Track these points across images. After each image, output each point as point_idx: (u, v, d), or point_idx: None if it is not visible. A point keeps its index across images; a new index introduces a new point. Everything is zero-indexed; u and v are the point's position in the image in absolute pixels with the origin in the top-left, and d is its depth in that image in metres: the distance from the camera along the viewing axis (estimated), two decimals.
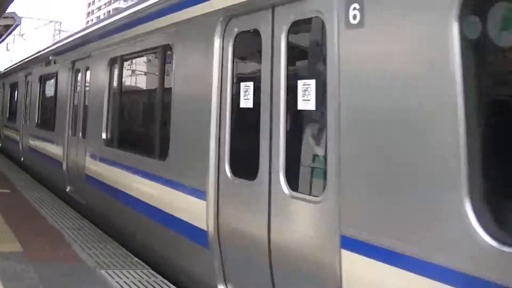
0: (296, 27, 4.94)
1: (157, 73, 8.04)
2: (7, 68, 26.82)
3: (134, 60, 9.35)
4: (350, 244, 3.92)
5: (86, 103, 11.17)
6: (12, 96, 22.71)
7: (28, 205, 11.20)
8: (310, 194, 4.62)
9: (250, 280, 5.31)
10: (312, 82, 4.65)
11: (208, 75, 6.00)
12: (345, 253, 3.97)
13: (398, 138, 3.67)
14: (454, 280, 3.16)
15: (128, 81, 9.61)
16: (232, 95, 5.73)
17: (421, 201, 3.43)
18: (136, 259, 7.61)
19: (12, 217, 9.76)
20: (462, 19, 3.27)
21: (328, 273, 4.17)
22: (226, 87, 5.79)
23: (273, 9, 5.15)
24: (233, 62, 5.79)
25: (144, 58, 9.05)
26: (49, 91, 15.28)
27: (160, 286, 6.52)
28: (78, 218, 10.21)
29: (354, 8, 4.05)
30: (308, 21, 4.78)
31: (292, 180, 4.81)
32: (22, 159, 17.89)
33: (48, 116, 14.84)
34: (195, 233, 6.07)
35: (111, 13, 17.39)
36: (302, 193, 4.69)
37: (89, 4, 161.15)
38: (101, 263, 7.30)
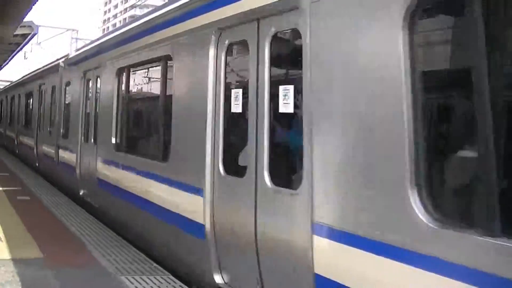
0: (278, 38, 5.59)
1: (158, 82, 8.69)
2: (21, 78, 27.53)
3: (139, 70, 9.96)
4: (320, 229, 4.60)
5: (97, 111, 11.76)
6: (27, 104, 23.43)
7: (48, 212, 11.27)
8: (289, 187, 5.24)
9: (240, 267, 5.92)
10: (291, 88, 5.21)
11: (204, 83, 6.54)
12: (316, 238, 4.64)
13: (357, 138, 4.33)
14: (403, 257, 3.78)
15: (134, 89, 10.34)
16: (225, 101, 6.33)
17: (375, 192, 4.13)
18: (155, 264, 7.62)
19: (32, 223, 9.83)
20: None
21: (301, 255, 4.84)
22: (220, 94, 6.36)
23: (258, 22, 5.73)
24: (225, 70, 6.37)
25: (147, 68, 9.66)
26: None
27: None
28: (97, 223, 10.25)
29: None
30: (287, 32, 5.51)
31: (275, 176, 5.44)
32: (36, 164, 18.81)
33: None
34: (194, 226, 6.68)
35: (127, 20, 17.49)
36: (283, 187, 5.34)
37: (105, 12, 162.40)
38: (121, 269, 7.31)
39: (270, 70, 5.53)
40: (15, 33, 20.21)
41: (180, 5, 7.56)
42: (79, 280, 6.80)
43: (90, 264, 7.54)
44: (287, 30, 5.44)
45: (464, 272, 3.34)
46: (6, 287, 6.36)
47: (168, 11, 8.06)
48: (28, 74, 24.16)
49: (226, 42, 6.29)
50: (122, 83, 10.27)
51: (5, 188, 14.03)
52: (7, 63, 34.95)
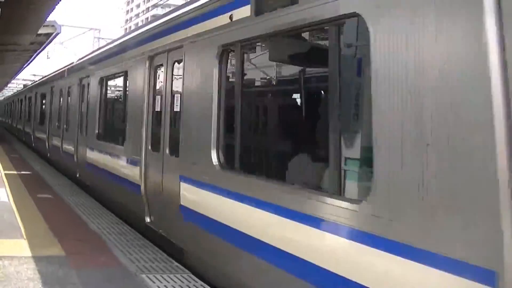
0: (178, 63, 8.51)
1: (121, 90, 12.52)
2: (53, 73, 24.24)
3: (111, 80, 13.27)
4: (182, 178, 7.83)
5: (87, 109, 11.78)
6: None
7: (69, 210, 11.34)
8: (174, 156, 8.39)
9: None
10: (178, 95, 8.47)
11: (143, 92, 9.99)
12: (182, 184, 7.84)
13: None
14: (208, 186, 7.15)
15: (107, 94, 13.56)
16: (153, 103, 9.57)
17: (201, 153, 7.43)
18: (176, 263, 7.61)
19: (54, 222, 9.90)
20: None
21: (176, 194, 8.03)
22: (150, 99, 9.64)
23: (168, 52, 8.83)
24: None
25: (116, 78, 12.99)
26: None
27: None
28: (119, 223, 10.28)
29: None
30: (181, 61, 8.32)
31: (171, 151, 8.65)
32: (77, 175, 15.34)
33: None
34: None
35: (149, 19, 17.41)
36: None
37: (127, 11, 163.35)
38: (141, 267, 7.32)
39: (171, 83, 8.73)
40: (38, 32, 20.36)
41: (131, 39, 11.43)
42: (100, 278, 6.82)
43: (111, 262, 7.56)
44: (180, 59, 8.28)
45: (231, 194, 6.34)
46: (28, 284, 6.40)
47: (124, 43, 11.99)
48: (65, 66, 21.15)
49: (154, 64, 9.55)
50: (102, 89, 13.40)
51: (28, 188, 14.15)
52: (30, 62, 35.26)
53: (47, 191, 13.82)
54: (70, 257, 7.60)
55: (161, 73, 9.21)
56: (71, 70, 18.29)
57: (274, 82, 7.31)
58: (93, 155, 13.43)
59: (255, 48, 7.00)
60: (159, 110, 9.13)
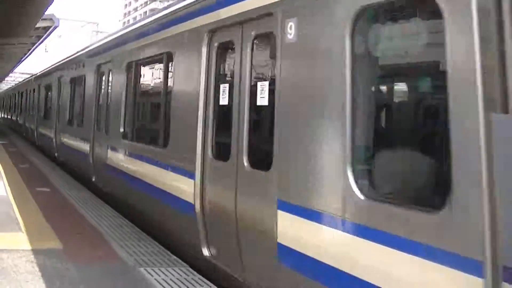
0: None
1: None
2: (68, 57, 20.10)
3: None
4: (282, 204, 5.47)
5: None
6: (73, 93, 17.55)
7: (67, 204, 11.35)
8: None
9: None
10: (266, 84, 6.12)
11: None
12: (280, 213, 5.50)
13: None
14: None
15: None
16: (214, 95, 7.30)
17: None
18: (174, 257, 7.62)
19: (52, 215, 9.90)
20: None
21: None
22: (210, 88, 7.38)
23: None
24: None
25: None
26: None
27: (199, 284, 6.53)
28: (117, 216, 10.29)
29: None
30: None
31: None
32: (93, 179, 13.52)
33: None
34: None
35: (147, 14, 17.15)
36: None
37: (126, 5, 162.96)
38: (140, 261, 7.33)
39: (251, 66, 6.57)
40: (36, 26, 20.34)
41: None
42: (98, 271, 6.83)
43: (109, 256, 7.57)
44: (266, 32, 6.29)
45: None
46: (26, 277, 6.41)
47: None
48: (80, 50, 17.80)
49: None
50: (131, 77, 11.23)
51: (27, 181, 14.16)
52: (28, 55, 35.23)
53: (45, 184, 13.82)
54: (68, 251, 7.61)
55: (229, 53, 7.24)
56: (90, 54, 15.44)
57: None
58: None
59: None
60: (226, 103, 6.98)
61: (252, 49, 6.41)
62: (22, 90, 35.20)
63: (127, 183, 10.46)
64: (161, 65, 9.48)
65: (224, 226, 6.66)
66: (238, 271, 6.41)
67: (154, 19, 10.13)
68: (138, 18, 15.13)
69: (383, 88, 5.03)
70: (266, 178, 5.77)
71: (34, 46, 29.65)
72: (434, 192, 4.09)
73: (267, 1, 5.93)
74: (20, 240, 8.04)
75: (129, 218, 10.16)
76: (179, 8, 8.76)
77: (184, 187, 7.66)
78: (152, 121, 10.17)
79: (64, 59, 20.82)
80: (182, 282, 6.53)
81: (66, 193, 12.59)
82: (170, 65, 8.94)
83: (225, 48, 7.19)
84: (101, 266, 7.06)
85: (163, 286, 6.36)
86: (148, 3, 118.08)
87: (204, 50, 7.37)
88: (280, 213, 5.46)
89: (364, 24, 4.67)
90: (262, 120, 6.42)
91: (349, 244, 4.55)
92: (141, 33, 10.60)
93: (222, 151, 6.96)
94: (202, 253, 7.14)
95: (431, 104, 4.49)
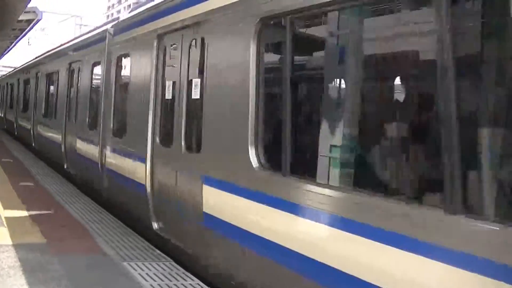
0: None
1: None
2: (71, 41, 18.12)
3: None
4: (206, 179, 6.68)
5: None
6: (48, 88, 19.10)
7: (51, 198, 11.30)
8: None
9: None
10: (198, 81, 7.12)
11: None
12: (204, 187, 6.68)
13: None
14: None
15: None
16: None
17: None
18: (158, 251, 7.65)
19: (35, 209, 9.86)
20: None
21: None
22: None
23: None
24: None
25: None
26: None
27: (182, 278, 6.56)
28: (101, 211, 10.28)
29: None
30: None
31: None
32: (65, 166, 14.71)
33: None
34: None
35: (131, 6, 16.92)
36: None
37: None
38: (124, 255, 7.34)
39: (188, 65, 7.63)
40: (19, 18, 20.16)
41: None
42: (82, 265, 6.83)
43: (93, 250, 7.57)
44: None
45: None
46: (9, 272, 6.40)
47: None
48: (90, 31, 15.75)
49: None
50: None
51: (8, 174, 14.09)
52: (11, 48, 34.92)
53: (28, 178, 13.75)
54: (51, 245, 7.60)
55: (173, 55, 8.34)
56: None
57: None
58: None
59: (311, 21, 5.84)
60: (170, 98, 8.22)
61: (189, 52, 7.52)
62: (3, 84, 35.28)
63: (93, 169, 11.67)
64: (120, 65, 10.86)
65: (168, 202, 7.86)
66: (178, 239, 7.55)
67: (115, 24, 11.64)
68: (122, 11, 15.01)
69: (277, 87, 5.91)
70: (196, 159, 7.08)
71: (17, 39, 29.38)
72: (296, 162, 5.29)
73: (200, 11, 7.13)
74: (2, 234, 8.00)
75: (97, 201, 11.26)
76: (135, 15, 10.30)
77: (137, 171, 8.90)
78: (113, 114, 11.11)
79: (40, 56, 22.75)
80: (165, 276, 6.56)
81: (49, 187, 12.53)
82: (127, 64, 10.27)
83: (170, 51, 8.36)
84: (84, 260, 7.06)
85: (146, 280, 6.38)
86: None
87: (154, 51, 8.57)
88: (205, 187, 6.66)
89: (265, 33, 5.81)
90: (196, 112, 7.40)
91: (252, 208, 5.71)
92: (104, 37, 11.90)
93: (166, 139, 8.16)
94: (152, 227, 8.23)
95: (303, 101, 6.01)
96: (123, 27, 10.81)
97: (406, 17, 4.79)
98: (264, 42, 5.86)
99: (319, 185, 4.95)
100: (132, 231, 8.75)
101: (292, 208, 5.10)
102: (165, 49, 8.43)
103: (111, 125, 10.85)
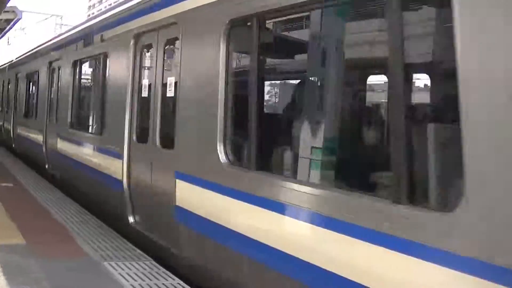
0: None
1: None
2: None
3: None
4: (179, 175, 6.88)
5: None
6: (28, 88, 19.36)
7: (31, 199, 11.25)
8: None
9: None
10: (173, 79, 7.41)
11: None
12: (177, 181, 6.90)
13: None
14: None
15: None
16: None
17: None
18: (139, 251, 7.65)
19: (15, 210, 9.81)
20: None
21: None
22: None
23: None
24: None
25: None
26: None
27: (163, 277, 6.57)
28: (82, 212, 10.24)
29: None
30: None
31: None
32: (46, 166, 14.84)
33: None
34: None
35: (112, 5, 16.68)
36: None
37: None
38: (105, 256, 7.34)
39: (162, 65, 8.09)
40: None
41: None
42: (62, 267, 6.79)
43: (74, 251, 7.55)
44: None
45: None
46: None
47: None
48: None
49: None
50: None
51: None
52: None
53: (8, 179, 13.66)
54: (32, 246, 7.56)
55: (149, 54, 8.65)
56: None
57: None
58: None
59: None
60: (146, 96, 8.44)
61: (164, 51, 7.84)
62: None
63: (73, 167, 11.92)
64: (100, 64, 11.09)
65: (143, 197, 8.12)
66: (152, 232, 7.79)
67: (94, 23, 11.76)
68: (103, 10, 14.75)
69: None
70: (170, 155, 7.25)
71: None
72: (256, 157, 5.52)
73: (173, 12, 7.35)
74: None
75: (78, 200, 11.28)
76: (113, 14, 10.39)
77: (115, 167, 9.06)
78: (91, 112, 11.72)
79: (20, 56, 22.62)
80: (145, 275, 6.57)
81: (30, 188, 12.47)
82: (106, 63, 10.41)
83: (147, 50, 8.59)
84: (65, 261, 7.03)
85: (126, 279, 6.39)
86: None
87: (131, 51, 8.71)
88: (177, 181, 6.90)
89: (234, 32, 5.98)
90: (170, 109, 7.65)
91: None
92: (84, 35, 12.15)
93: (142, 136, 8.38)
94: (128, 221, 8.49)
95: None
96: (103, 25, 10.92)
97: (368, 19, 5.10)
98: (233, 42, 6.08)
99: (283, 179, 5.23)
100: (113, 231, 8.74)
101: (257, 201, 5.34)
102: (142, 49, 8.64)
103: (90, 123, 11.15)
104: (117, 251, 7.62)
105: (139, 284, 6.28)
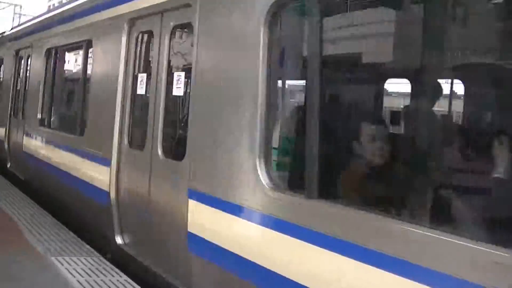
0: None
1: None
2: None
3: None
4: (194, 194, 5.46)
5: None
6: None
7: None
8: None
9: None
10: (182, 74, 6.16)
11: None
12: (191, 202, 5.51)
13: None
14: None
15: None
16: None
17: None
18: (88, 246, 7.53)
19: None
20: None
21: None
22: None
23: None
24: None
25: None
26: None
27: (110, 273, 6.48)
28: (32, 205, 10.02)
29: None
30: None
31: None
32: (8, 165, 13.63)
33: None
34: None
35: None
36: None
37: None
38: (52, 250, 7.19)
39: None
40: None
41: None
42: (5, 260, 6.62)
43: (20, 244, 7.38)
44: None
45: None
46: None
47: None
48: None
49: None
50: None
51: None
52: None
53: None
54: None
55: (148, 43, 7.33)
56: None
57: None
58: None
59: None
60: (143, 93, 7.10)
61: (170, 40, 6.39)
62: None
63: (42, 170, 10.46)
64: (81, 53, 9.52)
65: (136, 214, 6.73)
66: (150, 259, 6.42)
67: (75, 6, 10.00)
68: (63, 2, 14.37)
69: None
70: (179, 167, 5.82)
71: None
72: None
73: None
74: None
75: (46, 206, 9.97)
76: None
77: (99, 175, 7.61)
78: (70, 109, 10.34)
79: None
80: (93, 271, 6.46)
81: None
82: (89, 53, 8.91)
83: (145, 38, 7.23)
84: (9, 254, 6.85)
85: (72, 274, 6.28)
86: None
87: (123, 39, 7.33)
88: (191, 202, 5.45)
89: (277, 18, 4.67)
90: (178, 110, 6.59)
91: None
92: (62, 19, 10.55)
93: (137, 140, 7.03)
94: (115, 241, 7.11)
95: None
96: (83, 10, 9.45)
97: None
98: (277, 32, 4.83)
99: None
100: (62, 226, 8.55)
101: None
102: (138, 36, 7.31)
103: (68, 121, 10.01)
104: (64, 244, 7.47)
105: (85, 280, 6.16)
